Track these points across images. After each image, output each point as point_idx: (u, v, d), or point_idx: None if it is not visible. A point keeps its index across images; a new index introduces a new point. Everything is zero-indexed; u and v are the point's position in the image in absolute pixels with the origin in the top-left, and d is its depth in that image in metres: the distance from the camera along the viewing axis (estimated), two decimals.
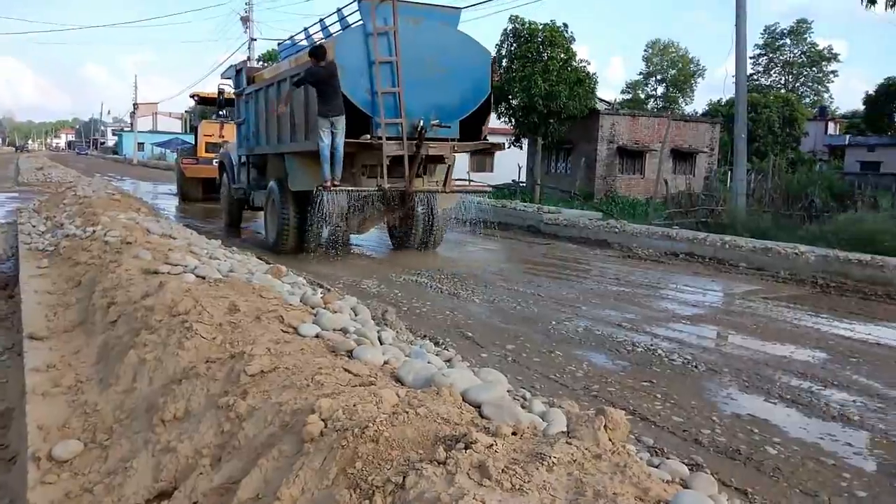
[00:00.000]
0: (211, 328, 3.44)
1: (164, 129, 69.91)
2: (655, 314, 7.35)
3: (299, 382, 2.57)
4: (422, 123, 9.31)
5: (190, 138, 23.53)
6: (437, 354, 3.94)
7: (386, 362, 3.05)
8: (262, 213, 12.20)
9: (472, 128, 10.18)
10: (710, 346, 6.16)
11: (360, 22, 9.54)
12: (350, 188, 9.60)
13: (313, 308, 4.31)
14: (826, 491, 3.37)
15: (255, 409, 2.49)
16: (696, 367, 5.38)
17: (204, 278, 4.84)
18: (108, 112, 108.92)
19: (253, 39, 34.08)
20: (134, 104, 73.20)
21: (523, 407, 3.08)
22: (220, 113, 16.58)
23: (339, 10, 10.12)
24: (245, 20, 34.19)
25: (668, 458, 3.30)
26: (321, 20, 10.94)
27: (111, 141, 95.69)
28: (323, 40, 10.49)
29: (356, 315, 4.46)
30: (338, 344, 3.22)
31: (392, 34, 9.45)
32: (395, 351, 3.44)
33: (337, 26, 10.36)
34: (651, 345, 5.95)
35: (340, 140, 9.12)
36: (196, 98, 20.54)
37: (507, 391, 3.44)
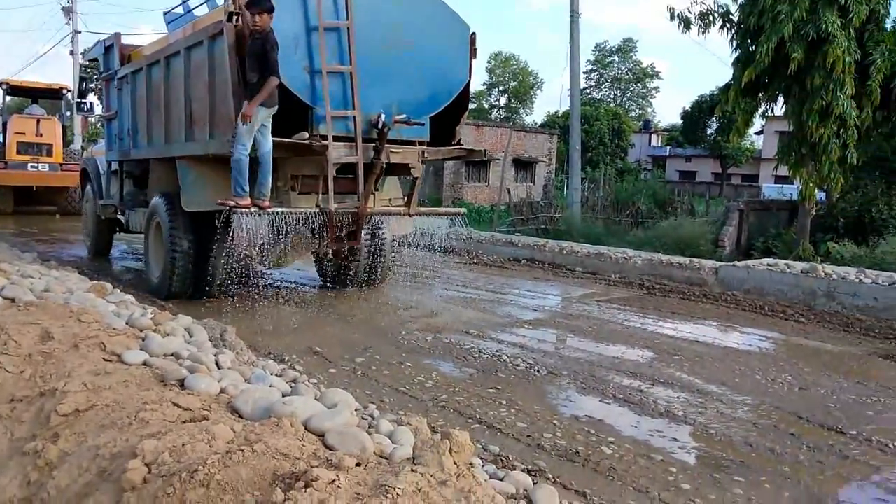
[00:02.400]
0: (18, 360, 3.07)
1: None
2: (500, 320, 7.56)
3: (121, 421, 2.34)
4: (383, 118, 6.70)
5: None
6: (280, 375, 3.78)
7: (222, 391, 2.87)
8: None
9: (440, 127, 7.48)
10: (551, 349, 6.43)
11: None
12: (281, 210, 6.60)
13: (142, 331, 3.98)
14: (656, 487, 3.59)
15: (67, 454, 2.23)
16: (538, 371, 5.58)
17: (13, 300, 4.34)
18: None
19: (77, 32, 31.33)
20: None
21: (371, 427, 3.01)
22: (83, 106, 12.61)
23: None
24: (68, 11, 31.34)
25: (513, 469, 3.37)
26: None
27: None
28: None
29: (191, 337, 4.18)
30: (168, 372, 2.98)
31: None
32: (234, 376, 3.25)
33: None
34: (496, 351, 6.10)
35: (269, 140, 6.41)
36: (5, 87, 17.38)
37: (355, 410, 3.36)
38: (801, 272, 9.01)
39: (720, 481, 3.71)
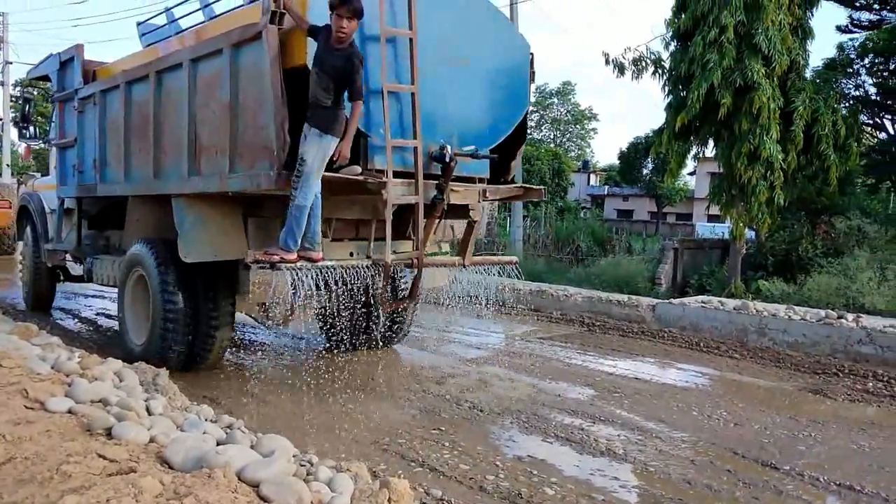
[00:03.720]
0: None
1: None
2: (444, 358, 7.52)
3: (41, 475, 2.20)
4: (449, 150, 5.43)
5: None
6: (214, 421, 3.64)
7: (152, 439, 2.74)
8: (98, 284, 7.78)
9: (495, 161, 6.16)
10: (493, 388, 6.42)
11: None
12: (333, 264, 5.34)
13: (68, 376, 3.80)
14: None
15: None
16: (480, 410, 5.56)
17: None
18: None
19: (8, 63, 30.36)
20: None
21: (309, 475, 2.92)
22: (25, 132, 10.30)
23: None
24: None
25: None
26: None
27: None
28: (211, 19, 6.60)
29: (121, 381, 4.01)
30: (94, 420, 2.84)
31: None
32: (165, 423, 3.11)
33: None
34: (440, 392, 6.06)
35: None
36: None
37: (293, 457, 3.26)
38: (734, 309, 9.30)
39: None
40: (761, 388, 6.88)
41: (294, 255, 5.03)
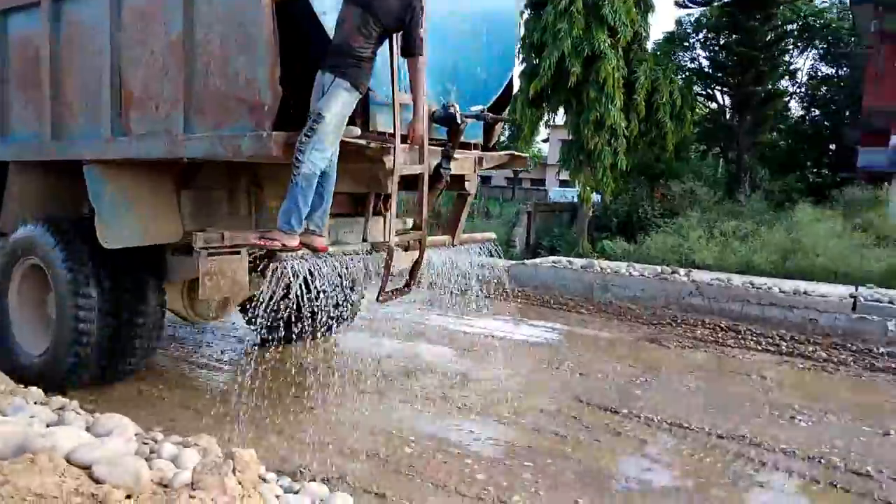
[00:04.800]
0: None
1: None
2: None
3: None
4: (457, 110, 4.42)
5: None
6: (45, 404, 3.36)
7: None
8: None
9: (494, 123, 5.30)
10: (355, 352, 6.41)
11: None
12: (342, 250, 4.42)
13: None
14: (453, 480, 3.72)
15: None
16: (341, 374, 5.54)
17: None
18: None
19: None
20: None
21: (152, 452, 2.78)
22: None
23: None
24: None
25: (312, 481, 3.31)
26: None
27: None
28: None
29: None
30: None
31: None
32: None
33: None
34: (298, 357, 5.97)
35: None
36: None
37: (136, 435, 3.09)
38: (581, 268, 9.85)
39: (511, 468, 3.93)
40: (604, 339, 7.37)
41: (296, 241, 3.88)
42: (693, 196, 14.10)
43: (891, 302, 7.47)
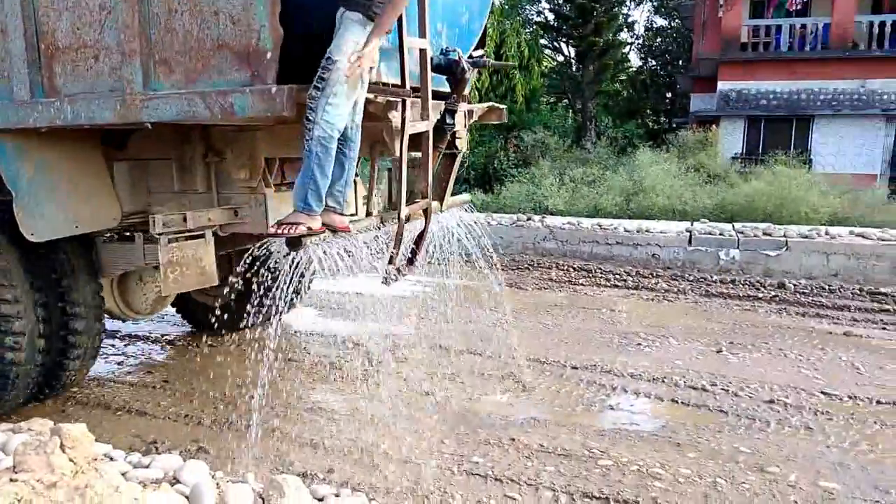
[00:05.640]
0: None
1: None
2: None
3: None
4: (461, 56, 3.90)
5: None
6: None
7: None
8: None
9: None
10: None
11: None
12: (364, 227, 3.71)
13: None
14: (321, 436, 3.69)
15: None
16: (194, 345, 5.30)
17: None
18: None
19: None
20: None
21: None
22: None
23: None
24: None
25: (167, 453, 3.15)
26: None
27: None
28: None
29: None
30: None
31: None
32: None
33: None
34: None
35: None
36: None
37: None
38: None
39: (375, 417, 3.95)
40: (468, 287, 7.53)
41: (318, 222, 3.16)
42: (544, 146, 14.60)
43: (721, 234, 8.17)
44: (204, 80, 3.03)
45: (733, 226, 8.33)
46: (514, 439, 3.70)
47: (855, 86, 15.42)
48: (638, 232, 8.47)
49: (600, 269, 8.02)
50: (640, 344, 5.39)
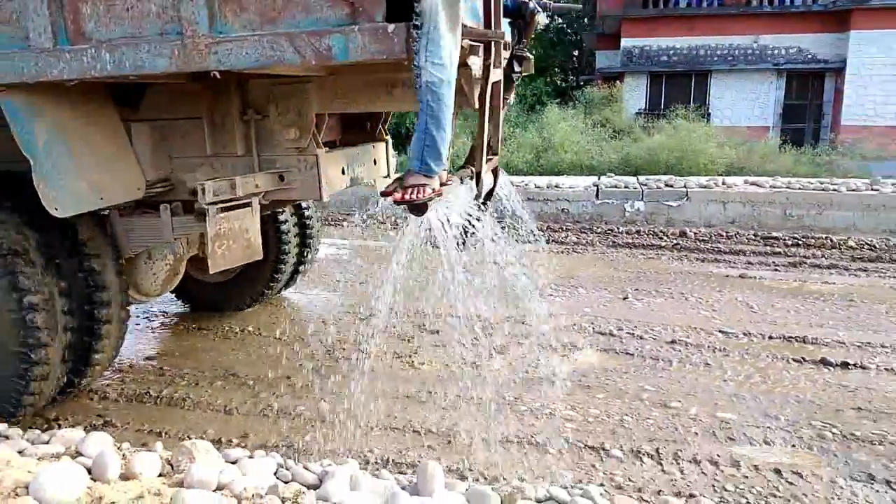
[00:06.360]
0: None
1: None
2: None
3: None
4: None
5: None
6: None
7: None
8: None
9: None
10: None
11: None
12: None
13: None
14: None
15: None
16: None
17: None
18: None
19: None
20: None
21: None
22: None
23: None
24: None
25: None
26: None
27: None
28: None
29: None
30: None
31: None
32: None
33: None
34: None
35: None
36: None
37: None
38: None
39: (290, 379, 3.92)
40: (380, 248, 7.51)
41: (437, 183, 2.76)
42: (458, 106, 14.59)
43: (626, 187, 8.44)
44: (286, 19, 2.52)
45: (637, 179, 8.62)
46: (430, 392, 3.75)
47: (748, 41, 16.12)
48: (548, 188, 8.62)
49: (512, 225, 8.14)
50: (551, 294, 5.55)
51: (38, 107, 2.87)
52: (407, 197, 2.65)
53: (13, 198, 3.10)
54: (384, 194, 2.75)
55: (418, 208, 2.66)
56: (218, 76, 2.66)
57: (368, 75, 3.23)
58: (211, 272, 3.30)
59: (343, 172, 3.70)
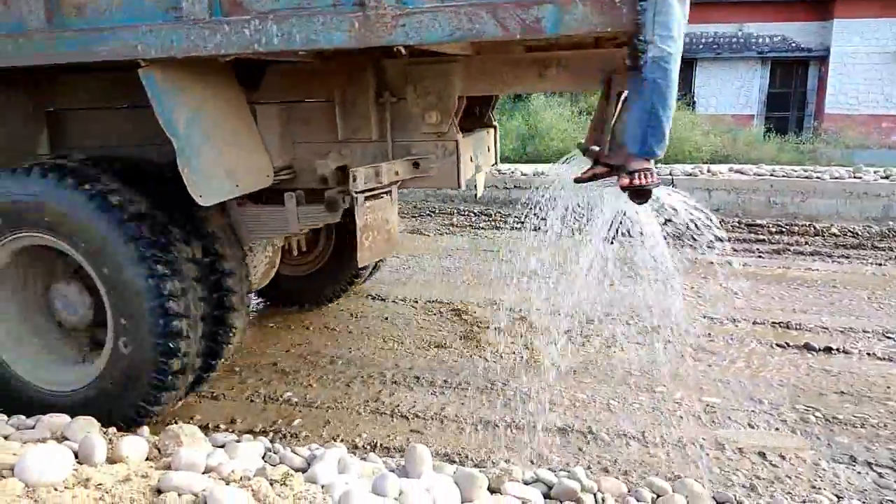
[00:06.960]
0: None
1: None
2: None
3: None
4: None
5: None
6: None
7: None
8: None
9: None
10: None
11: None
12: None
13: None
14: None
15: None
16: None
17: None
18: None
19: None
20: None
21: None
22: None
23: None
24: None
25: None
26: None
27: None
28: None
29: None
30: None
31: None
32: None
33: None
34: None
35: None
36: None
37: None
38: None
39: (293, 364, 3.90)
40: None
41: (654, 169, 2.56)
42: None
43: None
44: None
45: None
46: (417, 378, 3.76)
47: (733, 29, 16.17)
48: (535, 175, 8.63)
49: (500, 212, 8.16)
50: (540, 282, 5.56)
51: (176, 83, 2.59)
52: (636, 182, 2.48)
53: (153, 188, 2.89)
54: (578, 180, 2.61)
55: (644, 194, 2.52)
56: (403, 52, 2.46)
57: (519, 54, 3.05)
58: (359, 266, 3.18)
59: (471, 160, 3.46)
